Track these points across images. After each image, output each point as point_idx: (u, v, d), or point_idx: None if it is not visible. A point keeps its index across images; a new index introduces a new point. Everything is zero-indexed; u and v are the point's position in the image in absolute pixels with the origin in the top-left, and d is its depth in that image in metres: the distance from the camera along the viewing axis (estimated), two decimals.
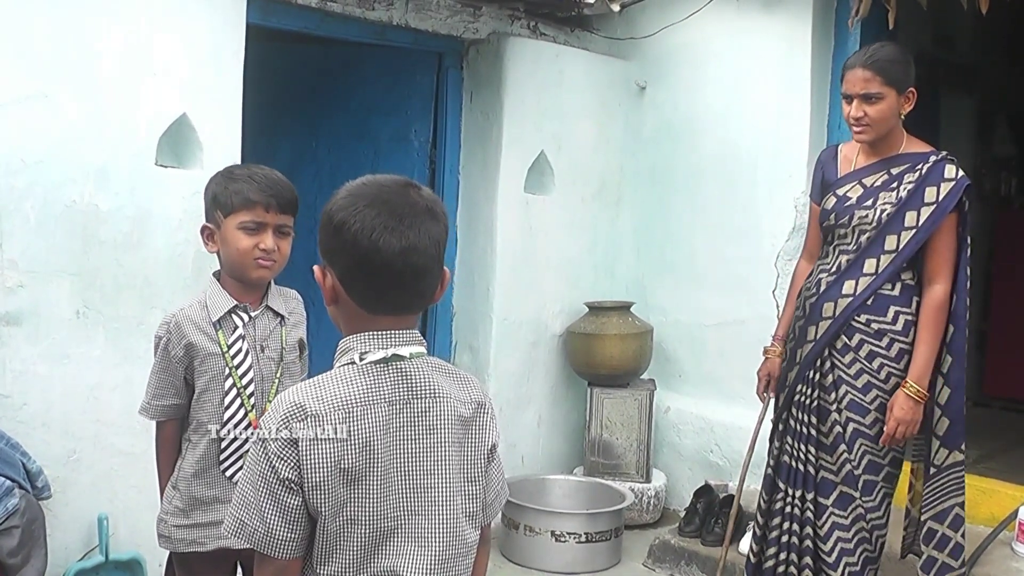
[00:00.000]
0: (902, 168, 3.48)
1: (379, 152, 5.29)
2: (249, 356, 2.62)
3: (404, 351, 1.75)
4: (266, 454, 1.67)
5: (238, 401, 2.60)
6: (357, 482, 1.68)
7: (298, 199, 2.64)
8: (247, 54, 3.95)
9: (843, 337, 3.47)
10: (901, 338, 3.42)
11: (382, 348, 1.74)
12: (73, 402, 3.51)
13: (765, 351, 3.84)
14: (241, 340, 2.62)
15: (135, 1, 3.59)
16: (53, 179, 3.40)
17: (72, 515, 3.55)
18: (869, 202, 3.48)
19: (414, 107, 5.22)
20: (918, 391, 3.35)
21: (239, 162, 3.88)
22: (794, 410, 3.56)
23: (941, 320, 3.39)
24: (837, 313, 3.48)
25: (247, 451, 2.54)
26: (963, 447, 3.48)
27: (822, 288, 3.54)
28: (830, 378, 3.48)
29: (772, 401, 3.80)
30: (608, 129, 5.51)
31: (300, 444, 1.65)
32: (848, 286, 3.47)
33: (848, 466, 3.45)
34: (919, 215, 3.38)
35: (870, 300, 3.43)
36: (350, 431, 1.68)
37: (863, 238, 3.47)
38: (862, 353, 3.45)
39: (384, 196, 1.71)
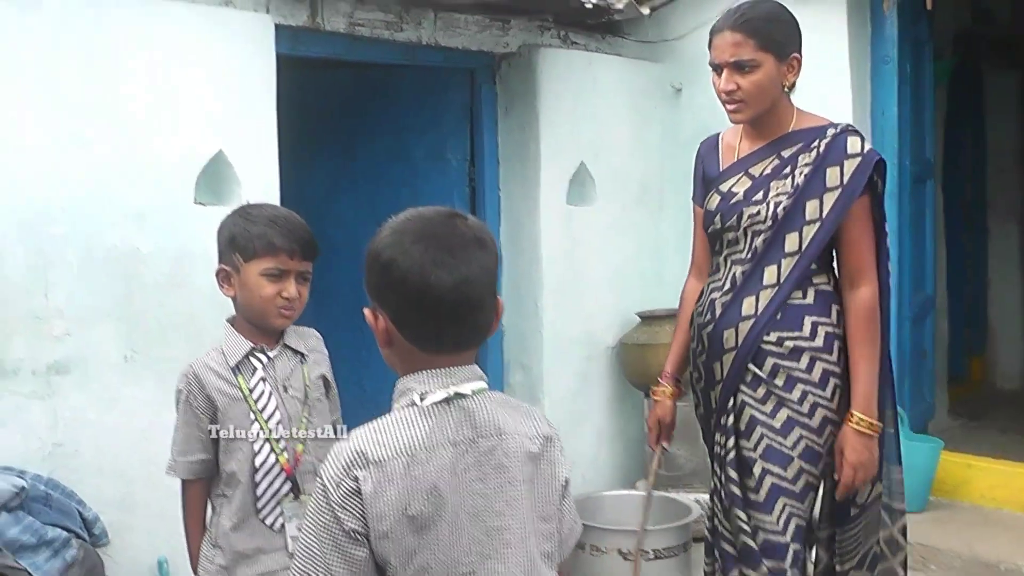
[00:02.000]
0: (794, 149, 2.83)
1: (417, 173, 5.25)
2: (273, 397, 2.53)
3: (466, 388, 1.69)
4: (329, 505, 1.60)
5: (267, 446, 2.50)
6: (426, 528, 1.61)
7: (317, 243, 2.57)
8: (278, 83, 3.93)
9: (752, 366, 2.80)
10: (824, 356, 2.77)
11: (443, 387, 1.67)
12: (125, 446, 3.48)
13: (652, 393, 3.23)
14: (263, 382, 2.53)
15: (164, 40, 3.58)
16: (92, 225, 3.40)
17: (132, 559, 3.52)
18: (759, 195, 2.84)
19: (449, 125, 5.19)
20: (870, 424, 2.71)
21: (278, 195, 3.88)
22: (716, 467, 2.94)
23: (875, 329, 2.77)
24: (740, 341, 2.81)
25: (284, 495, 2.50)
26: (880, 477, 2.88)
27: (717, 312, 2.87)
28: (744, 419, 2.82)
29: (662, 453, 3.31)
30: (646, 134, 5.44)
31: (364, 493, 1.58)
32: (748, 304, 2.82)
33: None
34: (822, 204, 2.76)
35: (778, 314, 2.78)
36: (415, 476, 1.61)
37: (758, 241, 2.82)
38: (778, 381, 2.77)
39: (430, 230, 1.65)
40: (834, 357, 2.78)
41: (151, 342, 3.55)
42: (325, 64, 4.85)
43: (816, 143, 2.79)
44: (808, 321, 2.77)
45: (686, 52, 5.31)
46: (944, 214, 6.44)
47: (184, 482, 2.58)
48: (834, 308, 2.80)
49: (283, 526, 2.51)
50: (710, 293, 2.94)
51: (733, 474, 2.83)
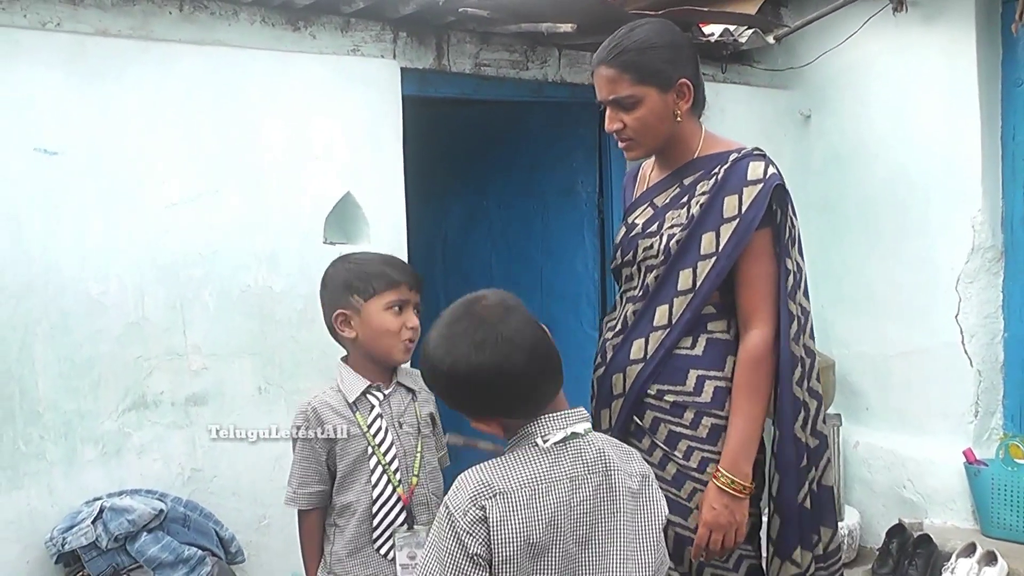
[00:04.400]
0: (694, 176, 2.56)
1: (547, 207, 5.39)
2: (389, 433, 2.64)
3: (579, 428, 1.89)
4: (454, 530, 1.79)
5: (384, 478, 2.62)
6: (541, 555, 1.79)
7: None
8: (406, 121, 4.09)
9: (634, 417, 2.57)
10: (714, 411, 2.48)
11: (561, 428, 1.87)
12: (260, 472, 3.71)
13: None
14: (379, 418, 2.64)
15: (293, 91, 3.79)
16: (228, 267, 3.63)
17: (267, 575, 3.76)
18: (654, 227, 2.58)
19: (578, 159, 5.29)
20: (732, 481, 2.41)
21: (405, 233, 4.06)
22: None
23: (762, 379, 2.44)
24: (628, 387, 2.56)
25: (399, 526, 2.62)
26: (797, 555, 2.54)
27: (608, 356, 2.63)
28: None
29: None
30: (775, 162, 5.40)
31: (490, 520, 1.77)
32: (637, 347, 2.55)
33: None
34: (718, 236, 2.45)
35: (662, 365, 2.51)
36: (536, 507, 1.79)
37: (650, 277, 2.55)
38: (660, 437, 2.52)
39: (457, 334, 1.86)
40: (725, 411, 2.48)
41: (284, 375, 3.78)
42: (453, 102, 5.02)
43: (717, 170, 2.51)
44: (693, 375, 2.49)
45: (814, 78, 5.28)
46: None
47: (301, 512, 2.73)
48: (729, 360, 2.51)
49: (396, 555, 2.63)
50: (604, 334, 2.70)
51: None
